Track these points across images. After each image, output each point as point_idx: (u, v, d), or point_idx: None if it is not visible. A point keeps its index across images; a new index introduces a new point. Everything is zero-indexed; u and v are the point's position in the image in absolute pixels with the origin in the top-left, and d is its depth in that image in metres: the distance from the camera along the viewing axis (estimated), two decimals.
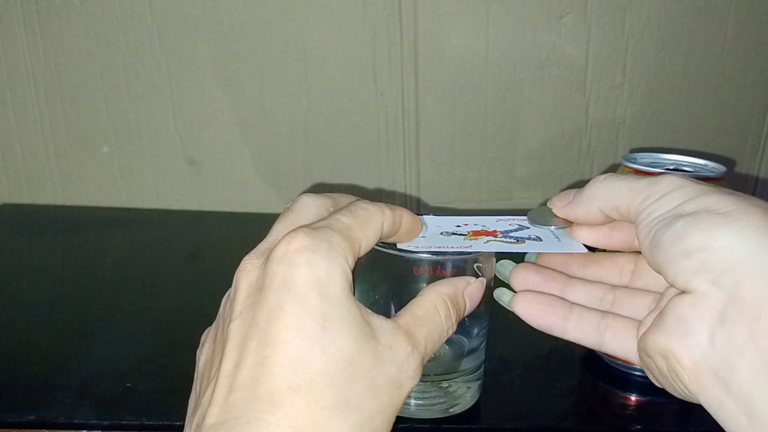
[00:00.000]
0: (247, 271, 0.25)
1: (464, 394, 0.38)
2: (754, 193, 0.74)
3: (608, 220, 0.30)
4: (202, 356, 0.27)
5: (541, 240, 0.32)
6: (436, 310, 0.27)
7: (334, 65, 0.69)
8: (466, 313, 0.30)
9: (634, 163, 0.45)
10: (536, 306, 0.31)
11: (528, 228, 0.34)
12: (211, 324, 0.28)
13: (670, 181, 0.27)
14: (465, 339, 0.37)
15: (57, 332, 0.48)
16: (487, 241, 0.32)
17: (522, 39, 0.68)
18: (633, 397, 0.42)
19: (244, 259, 0.26)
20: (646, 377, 0.27)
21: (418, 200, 0.74)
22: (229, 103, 0.70)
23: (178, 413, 0.26)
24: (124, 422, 0.38)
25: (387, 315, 0.26)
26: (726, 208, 0.24)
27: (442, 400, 0.38)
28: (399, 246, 0.31)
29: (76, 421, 0.37)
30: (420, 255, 0.33)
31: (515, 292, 0.32)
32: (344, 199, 0.30)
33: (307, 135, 0.71)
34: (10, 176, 0.73)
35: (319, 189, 0.71)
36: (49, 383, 0.41)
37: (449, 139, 0.71)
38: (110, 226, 0.71)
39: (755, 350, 0.22)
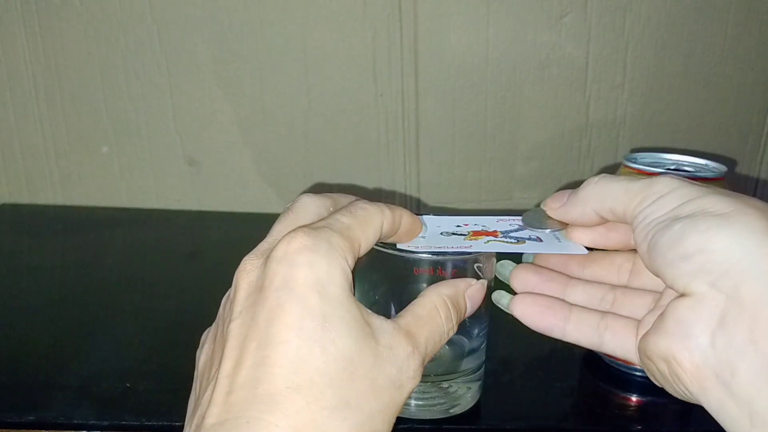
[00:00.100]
0: (247, 272, 0.25)
1: (464, 395, 0.38)
2: (755, 193, 0.74)
3: (603, 222, 0.30)
4: (202, 356, 0.27)
5: (541, 241, 0.32)
6: (436, 311, 0.27)
7: (334, 65, 0.69)
8: (467, 314, 0.30)
9: (635, 163, 0.45)
10: (535, 308, 0.31)
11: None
12: (210, 324, 0.28)
13: (666, 183, 0.27)
14: (465, 339, 0.37)
15: (57, 332, 0.48)
16: (488, 241, 0.32)
17: (522, 39, 0.68)
18: (633, 397, 0.42)
19: (244, 259, 0.26)
20: (647, 377, 0.27)
21: (418, 200, 0.74)
22: (229, 103, 0.70)
23: (178, 413, 0.26)
24: (123, 422, 0.38)
25: (387, 315, 0.26)
26: (723, 210, 0.24)
27: (442, 401, 0.38)
28: (399, 246, 0.31)
29: (75, 421, 0.37)
30: (420, 255, 0.33)
31: (515, 292, 0.32)
32: (344, 199, 0.30)
33: (307, 135, 0.71)
34: (10, 176, 0.73)
35: (319, 189, 0.71)
36: (49, 383, 0.41)
37: (449, 139, 0.71)
38: (110, 226, 0.71)
39: (755, 352, 0.22)
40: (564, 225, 0.32)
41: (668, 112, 0.71)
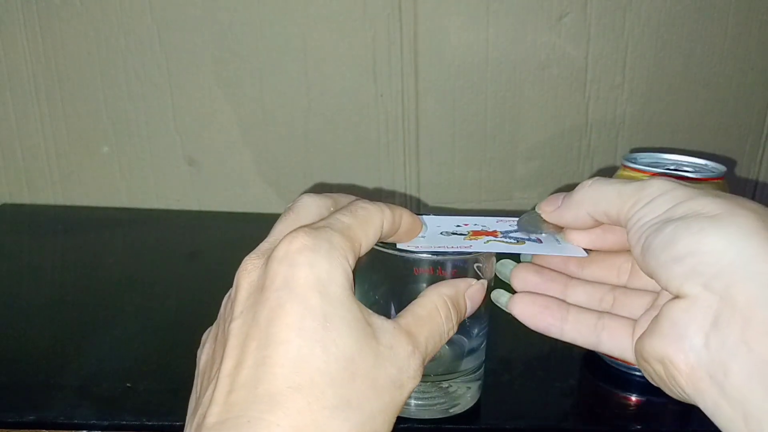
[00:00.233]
0: (248, 271, 0.25)
1: (464, 395, 0.38)
2: (754, 193, 0.74)
3: (597, 225, 0.30)
4: (203, 356, 0.27)
5: (540, 241, 0.32)
6: (437, 310, 0.28)
7: (334, 65, 0.69)
8: (467, 314, 0.30)
9: (635, 163, 0.45)
10: (533, 308, 0.31)
11: None
12: (211, 324, 0.28)
13: (658, 186, 0.27)
14: (465, 339, 0.37)
15: (57, 332, 0.48)
16: (487, 241, 0.32)
17: (522, 39, 0.68)
18: (633, 397, 0.42)
19: (245, 259, 0.26)
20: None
21: (418, 200, 0.74)
22: (229, 103, 0.70)
23: (178, 413, 0.26)
24: (123, 422, 0.38)
25: (387, 315, 0.26)
26: (714, 212, 0.24)
27: (442, 401, 0.38)
28: (399, 246, 0.31)
29: (75, 421, 0.37)
30: (420, 255, 0.33)
31: (515, 292, 0.32)
32: (344, 199, 0.30)
33: (307, 135, 0.71)
34: (10, 176, 0.73)
35: (319, 189, 0.71)
36: (49, 383, 0.41)
37: (449, 139, 0.71)
38: (110, 226, 0.71)
39: (748, 353, 0.22)
40: (559, 228, 0.32)
41: (668, 113, 0.71)
